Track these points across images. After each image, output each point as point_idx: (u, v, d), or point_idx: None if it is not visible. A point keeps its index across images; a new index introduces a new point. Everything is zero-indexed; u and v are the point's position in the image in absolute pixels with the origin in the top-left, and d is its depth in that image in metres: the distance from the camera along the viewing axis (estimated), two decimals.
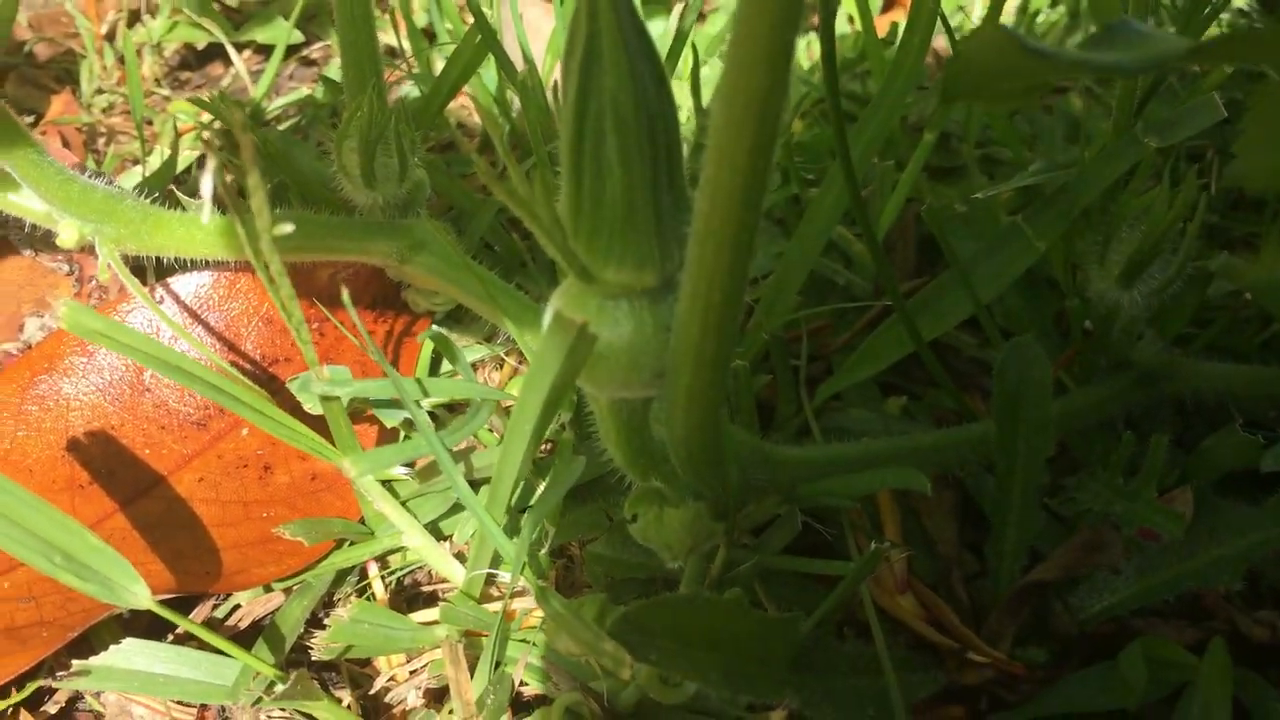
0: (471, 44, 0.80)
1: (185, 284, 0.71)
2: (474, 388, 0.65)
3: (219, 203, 0.69)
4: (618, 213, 0.49)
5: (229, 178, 0.94)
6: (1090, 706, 0.58)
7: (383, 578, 0.68)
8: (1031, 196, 0.91)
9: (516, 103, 0.90)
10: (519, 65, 0.82)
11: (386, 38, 1.11)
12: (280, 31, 1.06)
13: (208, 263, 0.70)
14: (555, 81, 0.88)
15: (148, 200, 0.66)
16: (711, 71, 1.04)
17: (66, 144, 0.96)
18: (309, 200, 0.78)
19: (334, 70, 1.08)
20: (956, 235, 0.86)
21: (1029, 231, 0.71)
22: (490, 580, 0.64)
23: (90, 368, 0.68)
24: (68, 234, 0.61)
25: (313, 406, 0.62)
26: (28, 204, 0.63)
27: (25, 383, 0.67)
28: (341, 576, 0.68)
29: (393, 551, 0.68)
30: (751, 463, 0.60)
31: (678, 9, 1.06)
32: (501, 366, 0.79)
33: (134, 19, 1.17)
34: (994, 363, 0.65)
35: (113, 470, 0.67)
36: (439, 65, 1.03)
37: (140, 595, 0.50)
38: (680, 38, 0.75)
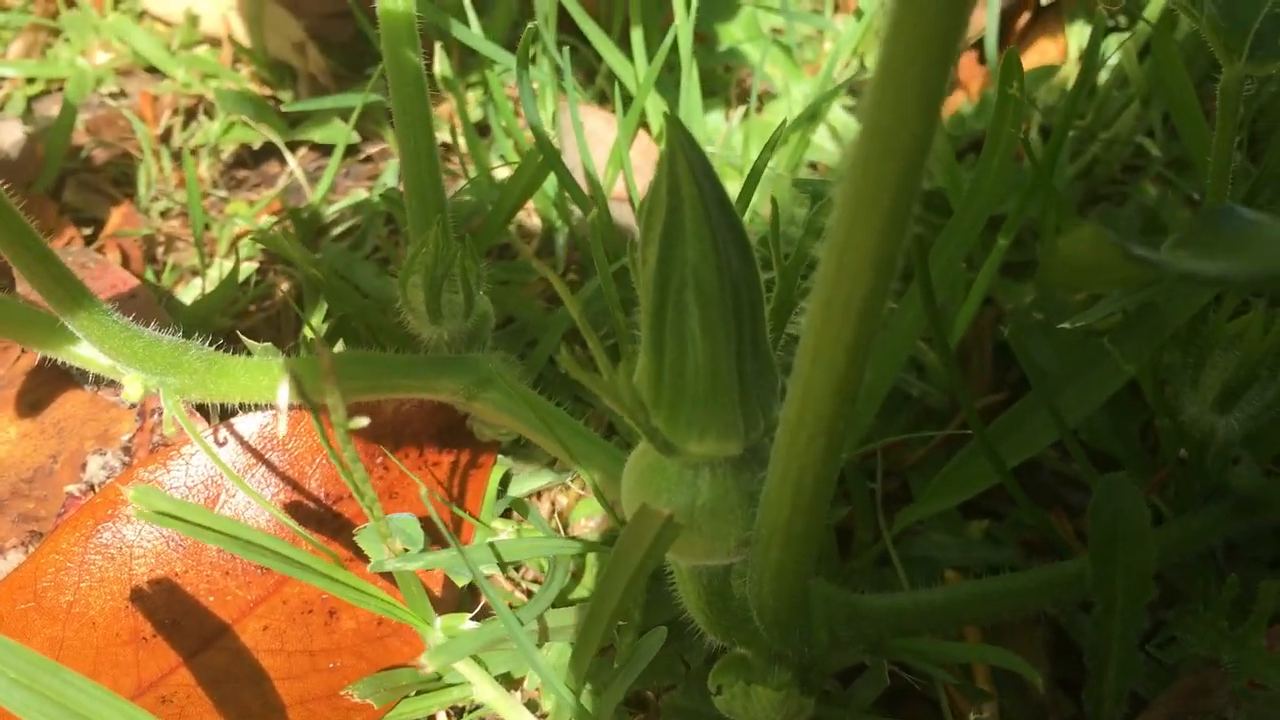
0: (534, 163, 0.79)
1: (248, 424, 0.70)
2: (548, 543, 0.63)
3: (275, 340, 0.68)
4: (701, 385, 0.47)
5: (285, 285, 0.93)
6: None
7: None
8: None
9: (574, 211, 0.88)
10: (579, 177, 0.81)
11: (440, 134, 1.10)
12: (337, 133, 1.06)
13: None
14: (617, 193, 0.86)
15: (211, 348, 0.65)
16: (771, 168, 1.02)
17: (126, 259, 0.95)
18: (372, 327, 0.77)
19: (391, 172, 1.07)
20: (1035, 344, 0.83)
21: (1117, 354, 0.68)
22: None
23: None
24: (133, 388, 0.60)
25: (377, 566, 0.60)
26: (92, 356, 0.62)
27: (89, 531, 0.66)
28: None
29: (464, 702, 0.66)
30: (838, 619, 0.58)
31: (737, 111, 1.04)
32: (567, 490, 0.77)
33: (189, 117, 1.17)
34: (1089, 504, 0.62)
35: (177, 620, 0.65)
36: (492, 160, 1.02)
37: None
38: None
